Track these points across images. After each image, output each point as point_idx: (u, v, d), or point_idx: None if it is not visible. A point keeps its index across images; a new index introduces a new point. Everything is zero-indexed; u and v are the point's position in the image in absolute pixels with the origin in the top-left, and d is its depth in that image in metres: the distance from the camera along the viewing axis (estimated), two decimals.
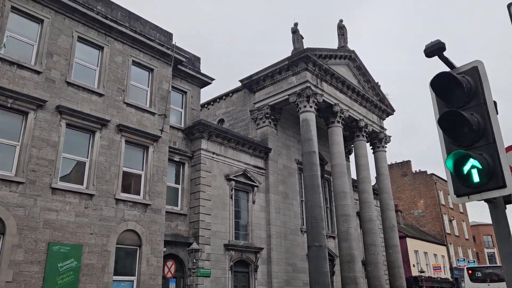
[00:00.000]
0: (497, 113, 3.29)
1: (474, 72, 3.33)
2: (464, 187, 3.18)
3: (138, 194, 15.44)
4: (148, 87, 16.95)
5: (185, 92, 19.62)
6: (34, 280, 11.85)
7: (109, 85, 15.39)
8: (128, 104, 15.72)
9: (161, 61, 17.39)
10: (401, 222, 41.86)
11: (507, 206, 3.36)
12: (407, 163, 49.99)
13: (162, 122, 16.73)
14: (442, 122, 3.24)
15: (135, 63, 16.51)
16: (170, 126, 18.01)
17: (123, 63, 16.00)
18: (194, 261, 14.48)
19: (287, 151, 23.39)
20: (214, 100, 25.66)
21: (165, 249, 16.04)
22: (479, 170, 3.02)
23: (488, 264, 37.61)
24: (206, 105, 26.07)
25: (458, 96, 3.28)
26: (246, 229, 19.89)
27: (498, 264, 30.69)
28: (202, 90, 20.76)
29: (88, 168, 14.12)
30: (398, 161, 50.54)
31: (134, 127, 15.53)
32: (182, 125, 19.08)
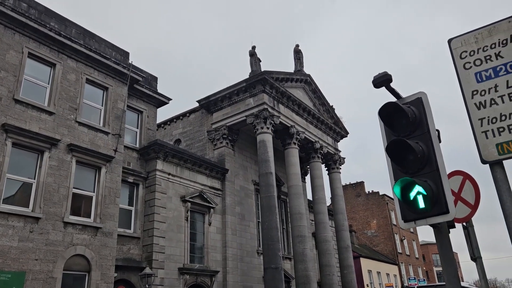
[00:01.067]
0: (440, 141, 3.50)
1: (419, 103, 3.56)
2: (410, 212, 3.33)
3: (89, 216, 14.79)
4: (102, 106, 16.51)
5: (141, 112, 19.27)
6: None
7: (61, 103, 14.84)
8: (80, 123, 15.20)
9: (116, 79, 17.05)
10: (355, 242, 42.73)
11: (450, 230, 3.55)
12: (360, 184, 51.48)
13: (116, 142, 16.28)
14: (390, 150, 3.40)
15: (89, 81, 16.07)
16: (125, 146, 17.54)
17: (76, 81, 15.53)
18: (147, 286, 13.94)
19: (244, 172, 23.42)
20: (171, 120, 25.37)
21: (116, 274, 15.35)
22: (424, 197, 3.18)
23: (437, 283, 38.99)
24: (162, 125, 25.70)
25: (404, 126, 3.47)
26: (202, 252, 19.51)
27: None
28: (158, 109, 20.51)
29: (35, 189, 13.40)
30: (352, 182, 51.96)
31: (86, 147, 14.99)
32: (137, 145, 18.65)
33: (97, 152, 15.33)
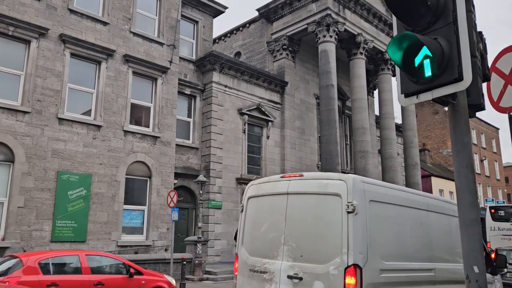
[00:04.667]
0: None
1: None
2: (413, 83, 2.51)
3: (148, 126, 15.35)
4: (156, 15, 16.21)
5: (197, 22, 18.71)
6: (45, 206, 12.26)
7: (114, 13, 14.76)
8: (134, 34, 15.15)
9: None
10: (428, 161, 40.84)
11: (476, 114, 2.68)
12: None
13: (171, 53, 16.14)
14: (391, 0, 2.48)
15: None
16: (181, 58, 17.43)
17: None
18: (200, 192, 14.52)
19: (305, 85, 22.47)
20: (231, 32, 24.56)
21: (176, 181, 16.19)
22: (431, 60, 2.33)
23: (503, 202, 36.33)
24: (222, 38, 25.05)
25: None
26: (260, 164, 19.75)
27: None
28: (216, 20, 19.78)
29: (95, 99, 13.99)
30: None
31: (141, 58, 15.08)
32: (194, 57, 18.43)
33: (152, 63, 15.38)
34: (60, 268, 7.59)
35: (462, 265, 6.38)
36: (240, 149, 18.66)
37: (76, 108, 13.68)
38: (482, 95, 2.53)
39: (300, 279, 4.57)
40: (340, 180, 4.66)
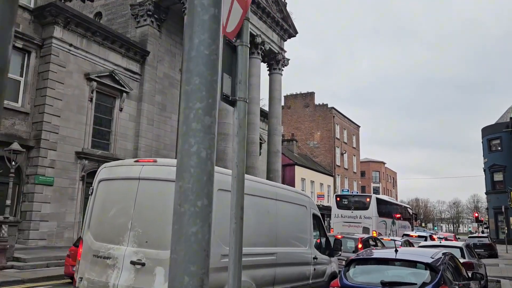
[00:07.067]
0: None
1: None
2: None
3: None
4: None
5: None
6: None
7: None
8: None
9: None
10: (295, 151, 42.74)
11: None
12: (310, 95, 50.26)
13: None
14: None
15: None
16: None
17: None
18: (13, 163, 12.11)
19: (170, 59, 20.94)
20: None
21: None
22: None
23: (357, 193, 39.83)
24: None
25: None
26: (109, 138, 17.73)
27: (368, 194, 32.66)
28: None
29: None
30: (302, 92, 50.65)
31: None
32: (32, 5, 15.50)
33: None
34: None
35: (301, 249, 7.12)
36: (84, 120, 16.40)
37: None
38: None
39: (143, 264, 4.59)
40: None
